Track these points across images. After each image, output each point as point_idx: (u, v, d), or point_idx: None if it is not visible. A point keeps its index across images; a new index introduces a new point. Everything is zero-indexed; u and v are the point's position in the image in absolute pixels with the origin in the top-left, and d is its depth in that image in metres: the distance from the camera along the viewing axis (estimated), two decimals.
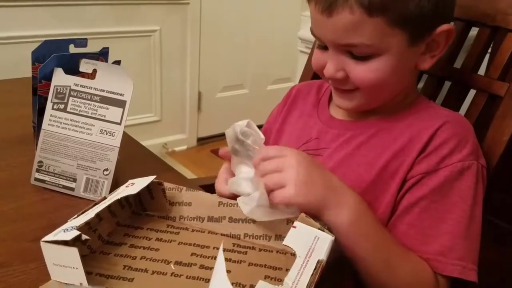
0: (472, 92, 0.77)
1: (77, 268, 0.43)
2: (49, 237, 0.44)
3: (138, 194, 0.54)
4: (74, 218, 0.48)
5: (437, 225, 0.59)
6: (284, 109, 0.81)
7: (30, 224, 0.63)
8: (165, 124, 2.51)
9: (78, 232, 0.44)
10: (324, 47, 0.64)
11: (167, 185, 0.58)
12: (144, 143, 0.92)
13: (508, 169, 0.78)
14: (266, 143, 0.61)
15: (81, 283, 0.44)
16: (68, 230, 0.45)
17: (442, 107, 0.71)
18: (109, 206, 0.51)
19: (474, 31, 0.79)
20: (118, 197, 0.52)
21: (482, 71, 0.77)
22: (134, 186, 0.54)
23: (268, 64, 2.74)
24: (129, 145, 0.84)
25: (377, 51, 0.61)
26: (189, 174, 2.21)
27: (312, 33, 0.65)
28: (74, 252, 0.42)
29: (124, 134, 0.70)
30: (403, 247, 0.59)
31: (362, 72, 0.62)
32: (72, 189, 0.69)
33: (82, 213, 0.49)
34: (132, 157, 0.82)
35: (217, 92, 2.69)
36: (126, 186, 0.55)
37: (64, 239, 0.43)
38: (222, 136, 1.90)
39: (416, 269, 0.58)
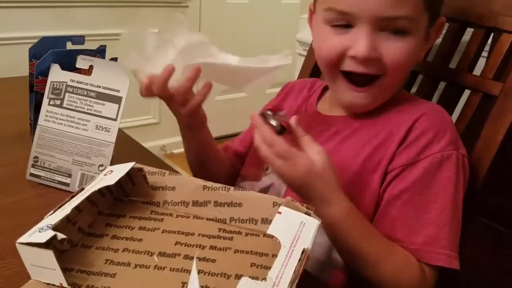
0: (467, 92, 0.78)
1: (55, 269, 0.42)
2: (24, 238, 0.43)
3: (119, 180, 0.53)
4: (50, 215, 0.47)
5: (421, 215, 0.60)
6: (275, 104, 0.82)
7: (25, 218, 0.63)
8: (164, 126, 2.50)
9: (53, 233, 0.42)
10: (344, 26, 0.62)
11: (149, 169, 0.56)
12: (143, 145, 0.92)
13: (502, 173, 0.78)
14: None
15: (61, 284, 0.43)
16: (44, 229, 0.43)
17: (424, 100, 0.71)
18: (88, 197, 0.50)
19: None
20: (97, 187, 0.51)
21: (477, 71, 0.78)
22: (113, 174, 0.53)
23: None
24: (125, 143, 0.85)
25: (412, 28, 0.61)
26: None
27: (334, 11, 0.62)
28: (49, 254, 0.41)
29: (122, 133, 0.70)
30: (388, 241, 0.60)
31: (397, 50, 0.61)
32: (67, 184, 0.69)
33: (59, 207, 0.48)
34: (128, 154, 0.82)
35: (216, 95, 2.69)
36: (105, 174, 0.53)
37: (38, 241, 0.42)
38: (220, 138, 1.90)
39: (401, 263, 0.59)
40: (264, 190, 0.75)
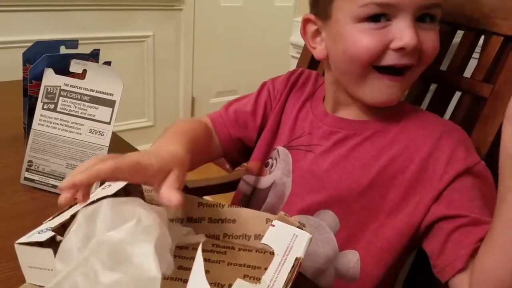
0: (458, 94, 0.79)
1: (52, 270, 0.42)
2: (23, 239, 0.43)
3: (115, 194, 0.51)
4: (49, 220, 0.47)
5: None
6: (284, 92, 0.78)
7: (19, 222, 0.64)
8: (159, 129, 2.51)
9: (52, 233, 0.43)
10: (378, 24, 0.60)
11: (145, 186, 0.56)
12: (137, 148, 0.92)
13: (494, 173, 0.79)
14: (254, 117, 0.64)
15: None
16: (43, 231, 0.44)
17: (427, 112, 0.72)
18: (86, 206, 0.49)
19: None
20: (95, 198, 0.50)
21: (468, 73, 0.79)
22: (111, 188, 0.53)
23: (261, 69, 2.75)
24: (120, 147, 0.85)
25: (439, 16, 0.63)
26: None
27: (374, 4, 0.60)
28: (49, 253, 0.42)
29: (117, 137, 0.70)
30: None
31: (433, 39, 0.62)
32: None
33: (58, 214, 0.48)
34: None
35: (211, 97, 2.70)
36: (103, 188, 0.53)
37: (38, 240, 0.42)
38: None
39: None
40: (266, 190, 0.75)
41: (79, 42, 0.79)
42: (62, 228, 0.46)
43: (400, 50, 0.60)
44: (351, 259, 0.65)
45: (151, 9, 2.27)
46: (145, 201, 0.55)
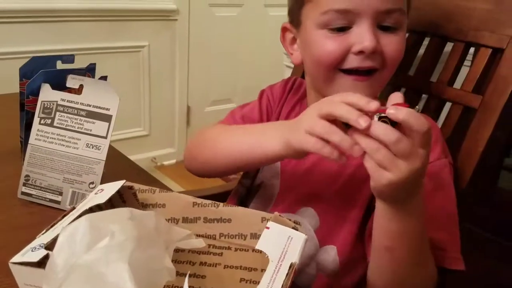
0: (448, 105, 0.80)
1: None
2: (17, 258, 0.43)
3: (110, 199, 0.52)
4: (42, 234, 0.47)
5: (431, 221, 0.59)
6: (282, 98, 0.81)
7: (17, 236, 0.64)
8: (154, 138, 2.52)
9: (45, 252, 0.43)
10: (340, 30, 0.64)
11: (139, 187, 0.57)
12: (133, 157, 0.93)
13: (484, 182, 0.80)
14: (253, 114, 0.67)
15: None
16: (36, 249, 0.44)
17: None
18: (80, 215, 0.49)
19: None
20: (88, 205, 0.51)
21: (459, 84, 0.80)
22: (104, 192, 0.53)
23: (256, 78, 2.77)
24: (115, 159, 0.86)
25: (402, 22, 0.65)
26: (178, 188, 2.22)
27: (334, 11, 0.63)
28: (42, 273, 0.41)
29: (111, 148, 0.71)
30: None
31: (395, 43, 0.64)
32: (58, 202, 0.70)
33: (51, 227, 0.48)
34: (118, 170, 0.83)
35: (206, 106, 2.71)
36: (95, 193, 0.54)
37: (31, 260, 0.42)
38: None
39: (433, 267, 0.59)
40: (255, 189, 0.77)
41: (76, 52, 0.80)
42: (54, 243, 0.46)
43: (360, 53, 0.63)
44: (330, 254, 0.68)
45: (146, 20, 2.28)
46: (138, 202, 0.56)
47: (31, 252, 0.44)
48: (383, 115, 0.48)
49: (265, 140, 0.61)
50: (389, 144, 0.46)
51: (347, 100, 0.50)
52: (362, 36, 0.62)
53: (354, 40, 0.63)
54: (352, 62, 0.64)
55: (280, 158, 0.63)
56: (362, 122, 0.47)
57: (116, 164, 0.83)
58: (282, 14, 0.76)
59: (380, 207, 0.54)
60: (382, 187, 0.49)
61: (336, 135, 0.50)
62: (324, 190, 0.70)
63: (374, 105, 0.48)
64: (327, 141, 0.51)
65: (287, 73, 0.93)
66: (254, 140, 0.64)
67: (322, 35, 0.65)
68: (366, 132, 0.47)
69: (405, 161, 0.47)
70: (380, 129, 0.47)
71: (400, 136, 0.46)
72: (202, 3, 2.48)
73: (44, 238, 0.46)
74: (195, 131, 2.64)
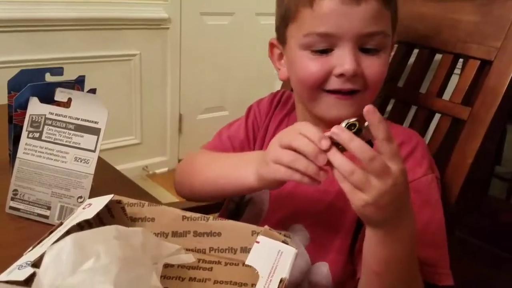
0: (438, 116, 0.80)
1: None
2: (3, 276, 0.43)
3: (98, 213, 0.52)
4: (29, 251, 0.47)
5: (420, 237, 0.59)
6: (269, 113, 0.82)
7: (4, 252, 0.63)
8: (146, 146, 2.51)
9: (32, 270, 0.42)
10: (322, 52, 0.64)
11: (128, 201, 0.56)
12: (125, 165, 0.92)
13: (475, 192, 0.81)
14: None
15: None
16: (23, 266, 0.43)
17: (394, 124, 0.75)
18: (67, 231, 0.49)
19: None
20: (76, 221, 0.50)
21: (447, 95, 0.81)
22: (92, 207, 0.53)
23: (247, 86, 2.77)
24: (103, 170, 0.85)
25: (385, 44, 0.65)
26: (169, 197, 2.21)
27: (315, 34, 0.64)
28: None
29: (100, 159, 0.71)
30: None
31: (377, 65, 0.65)
32: (46, 217, 0.70)
33: (38, 243, 0.48)
34: (107, 182, 0.83)
35: (198, 114, 2.71)
36: (83, 208, 0.53)
37: (17, 279, 0.42)
38: None
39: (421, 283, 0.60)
40: (245, 204, 0.77)
41: (66, 62, 0.80)
42: (41, 260, 0.45)
43: (341, 76, 0.64)
44: (323, 270, 0.67)
45: (137, 28, 2.28)
46: (127, 217, 0.56)
47: (17, 270, 0.43)
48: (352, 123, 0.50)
49: (240, 175, 0.64)
50: (364, 161, 0.47)
51: (304, 133, 0.52)
52: (343, 59, 0.63)
53: (335, 62, 0.64)
54: (334, 83, 0.65)
55: (258, 189, 0.65)
56: (320, 159, 0.50)
57: (105, 176, 0.82)
58: (273, 22, 0.76)
59: (367, 231, 0.54)
60: (360, 209, 0.50)
61: (301, 162, 0.52)
62: (313, 206, 0.69)
63: (325, 144, 0.50)
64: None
65: (278, 82, 0.93)
66: (231, 174, 0.66)
67: (305, 56, 0.66)
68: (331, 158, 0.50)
69: (378, 180, 0.48)
70: (357, 146, 0.48)
71: (375, 154, 0.47)
72: (194, 12, 2.49)
73: (31, 255, 0.46)
74: (187, 139, 2.63)
